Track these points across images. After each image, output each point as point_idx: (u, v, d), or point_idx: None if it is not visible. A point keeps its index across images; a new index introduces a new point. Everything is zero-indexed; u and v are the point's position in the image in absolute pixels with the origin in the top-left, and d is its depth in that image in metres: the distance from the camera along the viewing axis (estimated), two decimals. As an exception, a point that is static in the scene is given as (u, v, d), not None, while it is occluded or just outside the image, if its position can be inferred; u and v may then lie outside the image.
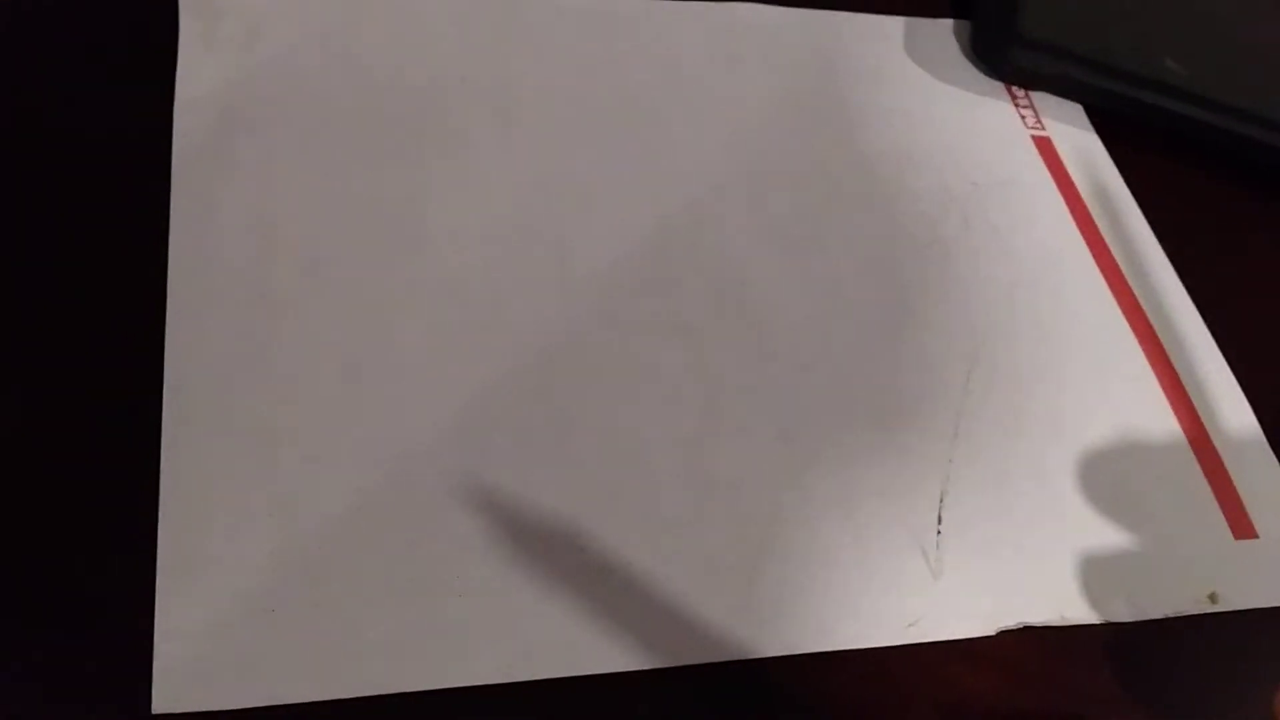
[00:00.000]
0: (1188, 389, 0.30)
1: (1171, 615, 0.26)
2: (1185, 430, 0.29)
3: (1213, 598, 0.27)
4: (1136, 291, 0.32)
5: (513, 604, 0.23)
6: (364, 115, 0.29)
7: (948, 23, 0.38)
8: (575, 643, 0.23)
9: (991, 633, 0.25)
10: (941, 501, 0.26)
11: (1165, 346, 0.31)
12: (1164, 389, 0.30)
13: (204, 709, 0.20)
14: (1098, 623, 0.26)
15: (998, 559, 0.26)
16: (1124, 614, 0.26)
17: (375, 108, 0.30)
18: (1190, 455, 0.29)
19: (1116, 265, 0.32)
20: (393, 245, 0.27)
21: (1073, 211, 0.33)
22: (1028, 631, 0.25)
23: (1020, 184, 0.34)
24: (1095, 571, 0.26)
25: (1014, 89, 0.37)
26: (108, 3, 0.30)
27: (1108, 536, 0.27)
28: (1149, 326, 0.31)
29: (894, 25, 0.37)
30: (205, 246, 0.26)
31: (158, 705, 0.20)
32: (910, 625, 0.24)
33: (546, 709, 0.22)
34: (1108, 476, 0.28)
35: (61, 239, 0.25)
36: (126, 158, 0.27)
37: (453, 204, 0.28)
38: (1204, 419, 0.30)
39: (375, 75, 0.30)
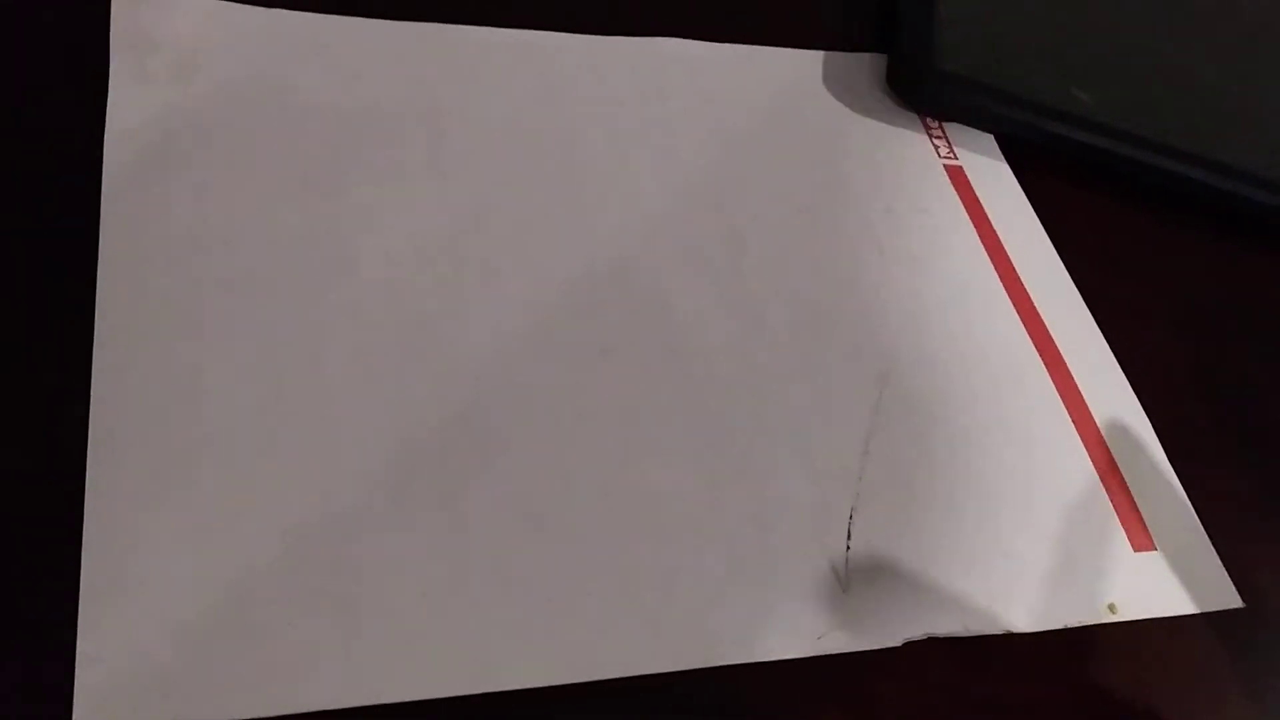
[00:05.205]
0: (1091, 408, 0.32)
1: (1072, 625, 0.27)
2: (1088, 448, 0.31)
3: (1112, 608, 0.28)
4: (1043, 315, 0.33)
5: (434, 622, 0.23)
6: (296, 147, 0.30)
7: (865, 56, 0.39)
8: (498, 659, 0.23)
9: (898, 644, 0.26)
10: (851, 518, 0.27)
11: (1070, 367, 0.32)
12: (1068, 409, 0.31)
13: (126, 729, 0.21)
14: (999, 633, 0.27)
15: (904, 572, 0.27)
16: (1025, 624, 0.27)
17: (307, 139, 0.30)
18: (1092, 471, 0.30)
19: (1024, 289, 0.34)
20: (322, 273, 0.28)
21: (983, 237, 0.35)
22: (933, 642, 0.26)
23: (933, 212, 0.35)
24: (998, 583, 0.27)
25: (928, 120, 0.38)
26: (38, 34, 0.30)
27: (1011, 550, 0.28)
28: (1055, 348, 0.33)
29: (813, 59, 0.38)
30: (134, 275, 0.26)
31: (79, 726, 0.21)
32: (820, 637, 0.25)
33: (465, 724, 0.23)
34: (1012, 492, 0.29)
35: (-11, 270, 0.26)
36: (56, 189, 0.27)
37: (383, 231, 0.29)
38: (1106, 437, 0.31)
39: (307, 107, 0.31)
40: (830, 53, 0.39)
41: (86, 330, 0.25)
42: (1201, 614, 0.29)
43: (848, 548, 0.27)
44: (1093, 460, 0.30)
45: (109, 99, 0.29)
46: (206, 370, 0.25)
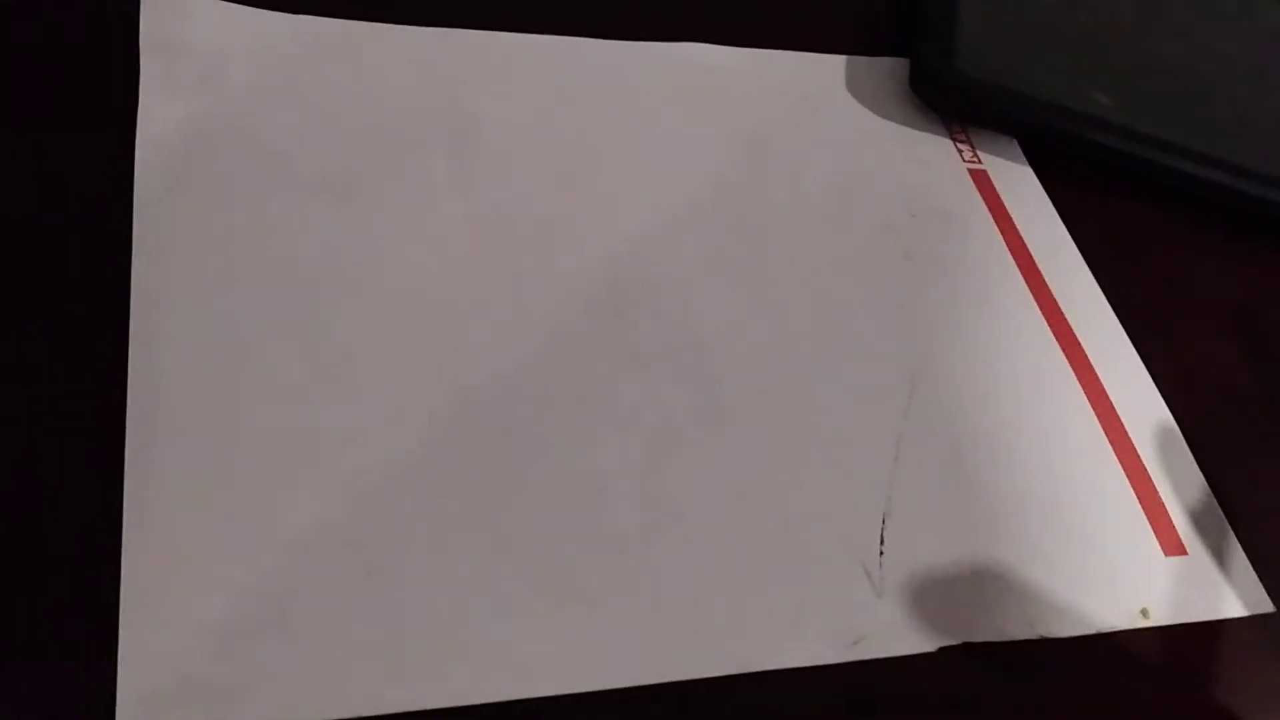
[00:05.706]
0: (1119, 412, 0.32)
1: (1105, 631, 0.27)
2: (1117, 452, 0.31)
3: (1144, 613, 0.28)
4: (1069, 318, 0.33)
5: (468, 628, 0.23)
6: (321, 151, 0.30)
7: (888, 61, 0.39)
8: (529, 665, 0.23)
9: (933, 650, 0.26)
10: (884, 523, 0.27)
11: (1097, 371, 0.32)
12: (1096, 413, 0.31)
13: (166, 736, 0.21)
14: (1034, 638, 0.27)
15: (938, 578, 0.27)
16: (1058, 629, 0.27)
17: (333, 144, 0.30)
18: (1122, 475, 0.30)
19: (1050, 293, 0.34)
20: (351, 279, 0.28)
21: (1008, 241, 0.35)
22: (968, 648, 0.26)
23: (958, 216, 0.35)
24: (1032, 589, 0.27)
25: (951, 124, 0.38)
26: (68, 41, 0.30)
27: (1044, 555, 0.28)
28: (1082, 352, 0.33)
29: (835, 64, 0.38)
30: (167, 282, 0.26)
31: (120, 733, 0.21)
32: (854, 643, 0.25)
33: (502, 731, 0.23)
34: (1043, 497, 0.29)
35: (23, 278, 0.26)
36: (89, 193, 0.27)
37: (410, 239, 0.29)
38: (1135, 441, 0.31)
39: (332, 112, 0.31)
40: (853, 57, 0.39)
41: (121, 335, 0.25)
42: (1233, 618, 0.29)
43: (881, 553, 0.27)
44: (1122, 464, 0.30)
45: (139, 104, 0.29)
46: (240, 374, 0.25)
